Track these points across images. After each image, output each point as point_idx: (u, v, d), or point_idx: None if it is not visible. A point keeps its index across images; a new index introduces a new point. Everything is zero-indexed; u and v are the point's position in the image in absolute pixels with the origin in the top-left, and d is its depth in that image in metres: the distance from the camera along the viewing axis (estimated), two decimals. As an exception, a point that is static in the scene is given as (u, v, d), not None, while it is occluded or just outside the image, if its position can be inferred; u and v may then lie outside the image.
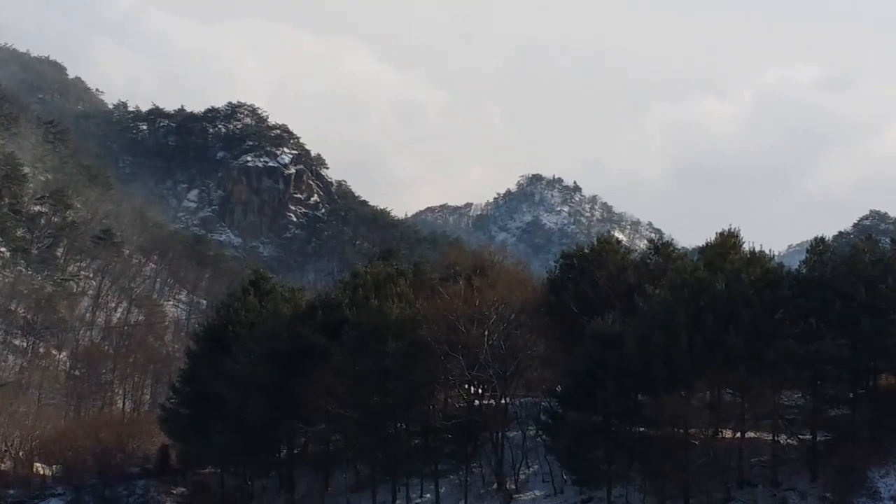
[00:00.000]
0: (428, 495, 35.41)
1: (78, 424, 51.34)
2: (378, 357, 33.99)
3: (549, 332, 35.02)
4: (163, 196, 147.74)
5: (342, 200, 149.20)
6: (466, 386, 35.76)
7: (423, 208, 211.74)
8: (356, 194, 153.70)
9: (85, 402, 62.32)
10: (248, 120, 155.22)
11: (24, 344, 73.19)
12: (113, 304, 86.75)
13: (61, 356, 73.34)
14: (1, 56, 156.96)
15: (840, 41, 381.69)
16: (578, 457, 31.20)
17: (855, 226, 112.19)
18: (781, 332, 29.63)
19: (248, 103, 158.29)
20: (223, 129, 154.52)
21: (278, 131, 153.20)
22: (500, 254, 49.23)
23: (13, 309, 75.87)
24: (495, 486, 34.37)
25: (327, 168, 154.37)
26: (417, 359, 33.99)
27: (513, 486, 34.12)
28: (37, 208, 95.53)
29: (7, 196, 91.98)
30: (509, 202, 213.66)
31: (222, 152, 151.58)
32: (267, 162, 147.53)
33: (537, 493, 33.78)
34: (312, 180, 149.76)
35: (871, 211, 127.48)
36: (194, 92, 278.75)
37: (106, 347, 73.15)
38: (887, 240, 35.11)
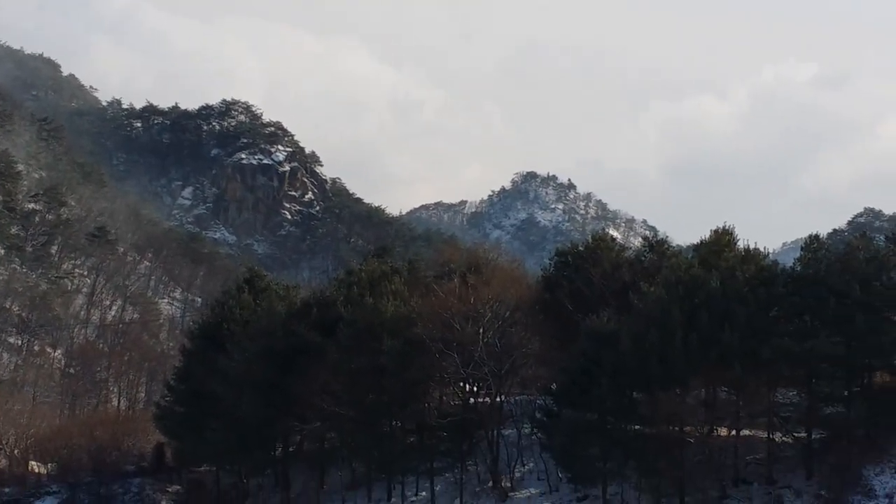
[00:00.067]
0: (423, 493, 35.40)
1: (73, 422, 51.20)
2: (373, 355, 34.00)
3: (544, 329, 35.02)
4: (157, 193, 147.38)
5: (337, 198, 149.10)
6: (461, 384, 35.75)
7: (417, 206, 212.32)
8: (351, 192, 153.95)
9: (80, 400, 62.19)
10: (242, 117, 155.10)
11: (19, 342, 72.94)
12: (107, 302, 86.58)
13: (56, 354, 73.11)
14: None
15: (837, 40, 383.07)
16: (574, 454, 31.19)
17: (850, 223, 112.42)
18: (776, 329, 29.64)
19: (243, 101, 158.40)
20: (217, 127, 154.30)
21: (273, 129, 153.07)
22: (495, 251, 49.47)
23: (7, 307, 75.52)
24: (490, 483, 34.36)
25: (322, 165, 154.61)
26: (412, 357, 33.97)
27: (508, 484, 34.13)
28: (31, 206, 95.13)
29: (1, 194, 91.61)
30: (504, 200, 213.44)
31: (216, 150, 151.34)
32: (261, 159, 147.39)
33: (532, 490, 33.78)
34: (307, 178, 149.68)
35: (865, 208, 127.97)
36: (192, 90, 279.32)
37: (101, 345, 72.93)
38: (882, 237, 35.22)
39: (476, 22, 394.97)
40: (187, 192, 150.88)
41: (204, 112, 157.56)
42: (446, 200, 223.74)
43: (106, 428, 45.98)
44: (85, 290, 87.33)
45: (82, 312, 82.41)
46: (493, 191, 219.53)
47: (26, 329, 73.50)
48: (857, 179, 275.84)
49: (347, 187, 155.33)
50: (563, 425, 31.12)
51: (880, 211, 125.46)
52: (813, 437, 30.64)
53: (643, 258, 37.42)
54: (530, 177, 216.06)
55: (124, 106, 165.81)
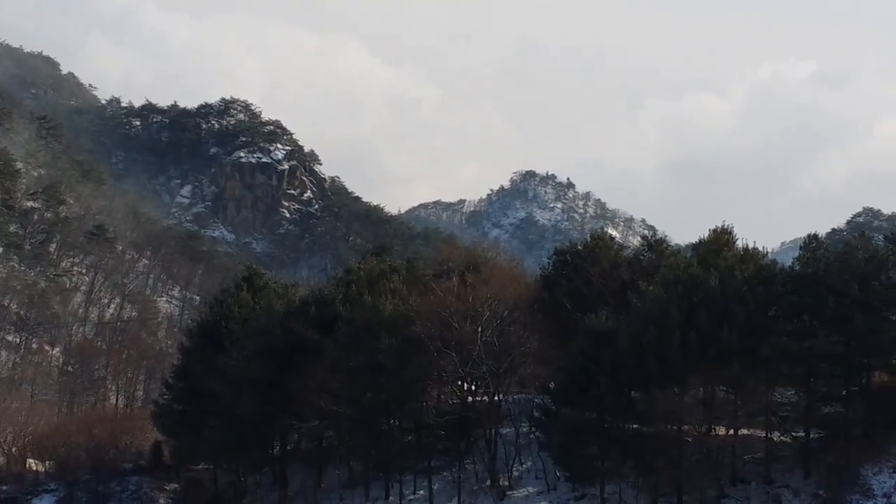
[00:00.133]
0: (421, 492, 35.41)
1: (71, 420, 51.12)
2: (371, 353, 34.03)
3: (543, 328, 35.05)
4: (156, 192, 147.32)
5: (335, 196, 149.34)
6: (460, 382, 35.77)
7: (416, 204, 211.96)
8: (349, 190, 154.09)
9: (78, 398, 62.21)
10: (241, 116, 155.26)
11: (17, 340, 72.96)
12: (106, 300, 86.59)
13: (54, 352, 73.14)
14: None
15: (835, 39, 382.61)
16: (572, 453, 31.23)
17: (848, 223, 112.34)
18: (775, 328, 29.71)
19: (242, 99, 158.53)
20: (216, 125, 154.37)
21: (271, 127, 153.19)
22: (494, 250, 49.28)
23: (6, 304, 75.57)
24: (488, 482, 34.38)
25: (320, 164, 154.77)
26: (411, 355, 33.98)
27: (506, 483, 34.15)
28: (30, 204, 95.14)
29: (0, 192, 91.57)
30: (503, 199, 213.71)
31: (215, 148, 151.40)
32: (260, 158, 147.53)
33: (530, 489, 33.82)
34: (306, 176, 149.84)
35: (864, 208, 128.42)
36: (191, 89, 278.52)
37: (99, 343, 72.88)
38: (880, 237, 35.26)
39: (474, 21, 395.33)
40: (186, 190, 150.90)
41: (203, 110, 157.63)
42: (445, 199, 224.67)
43: (104, 426, 45.92)
44: (83, 288, 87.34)
45: (81, 310, 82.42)
46: (491, 190, 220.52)
47: (25, 327, 73.56)
48: (855, 179, 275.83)
49: (346, 186, 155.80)
50: (562, 424, 31.18)
51: (879, 210, 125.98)
52: (811, 436, 30.74)
53: (642, 257, 37.49)
54: (529, 176, 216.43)
55: (123, 104, 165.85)
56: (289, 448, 39.77)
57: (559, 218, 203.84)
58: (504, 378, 34.83)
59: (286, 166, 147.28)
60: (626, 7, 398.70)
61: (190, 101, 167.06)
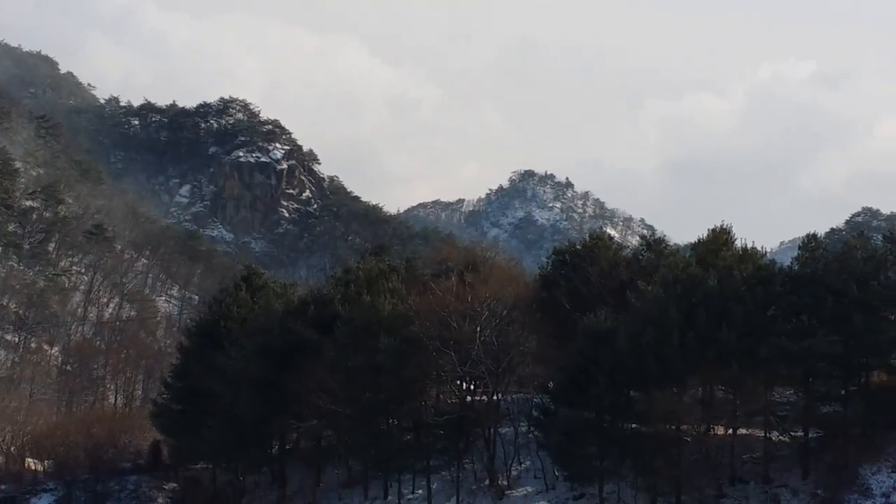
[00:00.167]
0: (420, 491, 35.49)
1: (70, 420, 51.28)
2: (370, 353, 34.08)
3: (541, 328, 35.12)
4: (154, 191, 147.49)
5: (334, 196, 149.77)
6: (458, 382, 35.84)
7: (415, 204, 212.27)
8: (348, 190, 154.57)
9: (77, 398, 62.33)
10: (240, 115, 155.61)
11: (16, 339, 73.15)
12: (105, 300, 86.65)
13: (53, 351, 73.25)
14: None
15: (835, 39, 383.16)
16: (570, 453, 31.31)
17: (847, 222, 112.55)
18: (774, 328, 29.77)
19: (241, 99, 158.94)
20: (215, 125, 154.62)
21: (270, 127, 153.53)
22: (492, 250, 49.27)
23: (5, 304, 75.75)
24: (487, 482, 34.45)
25: (319, 164, 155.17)
26: (409, 355, 34.03)
27: (505, 483, 34.22)
28: (28, 203, 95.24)
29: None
30: (501, 198, 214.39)
31: (214, 147, 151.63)
32: (259, 157, 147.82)
33: (529, 489, 33.89)
34: (304, 176, 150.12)
35: (863, 208, 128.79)
36: (190, 88, 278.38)
37: (98, 343, 73.03)
38: (879, 237, 35.29)
39: (474, 21, 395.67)
40: (185, 189, 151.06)
41: (202, 110, 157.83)
42: (444, 199, 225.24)
43: (103, 425, 46.02)
44: (82, 287, 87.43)
45: (79, 310, 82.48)
46: (490, 189, 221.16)
47: (23, 326, 73.66)
48: (855, 179, 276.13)
49: (345, 186, 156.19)
50: (560, 424, 31.26)
51: (878, 210, 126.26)
52: (810, 436, 30.79)
53: (641, 257, 37.55)
54: (528, 175, 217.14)
55: (122, 104, 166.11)
56: (287, 447, 39.81)
57: (558, 217, 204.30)
58: (503, 377, 34.89)
59: (285, 166, 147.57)
60: (626, 7, 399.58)
61: (189, 101, 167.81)
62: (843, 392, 30.43)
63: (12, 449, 47.37)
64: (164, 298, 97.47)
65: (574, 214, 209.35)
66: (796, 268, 31.87)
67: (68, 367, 67.42)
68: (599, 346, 30.53)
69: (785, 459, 30.89)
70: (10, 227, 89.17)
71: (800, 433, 30.94)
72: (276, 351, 36.59)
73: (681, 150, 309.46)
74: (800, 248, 33.15)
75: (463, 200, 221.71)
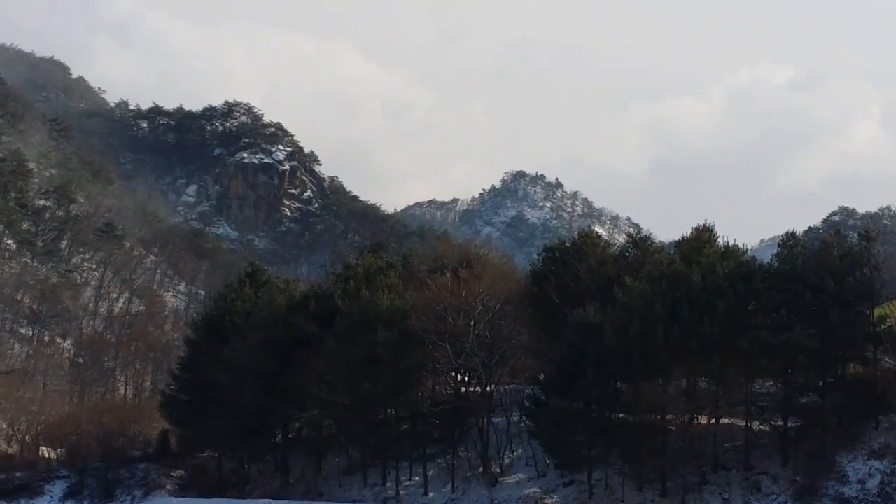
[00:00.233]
0: (416, 478, 36.27)
1: (82, 410, 52.06)
2: (369, 346, 34.90)
3: (533, 322, 35.96)
4: (163, 191, 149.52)
5: (334, 196, 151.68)
6: (453, 374, 36.60)
7: (411, 203, 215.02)
8: (348, 190, 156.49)
9: (88, 389, 63.35)
10: (244, 118, 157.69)
11: (30, 332, 74.41)
12: (115, 295, 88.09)
13: (65, 344, 74.60)
14: (7, 56, 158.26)
15: (811, 44, 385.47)
16: (560, 441, 32.03)
17: (824, 221, 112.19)
18: (754, 322, 30.45)
19: (245, 102, 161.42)
20: (220, 127, 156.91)
21: (273, 129, 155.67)
22: (486, 247, 50.09)
23: (19, 299, 77.19)
24: (481, 469, 35.25)
25: (320, 164, 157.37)
26: (406, 347, 34.85)
27: (498, 470, 35.03)
28: (42, 202, 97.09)
29: (13, 190, 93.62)
30: (494, 198, 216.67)
31: (219, 149, 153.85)
32: (262, 158, 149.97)
33: (521, 476, 34.60)
34: (306, 176, 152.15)
35: (840, 207, 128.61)
36: (193, 91, 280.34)
37: (108, 336, 74.32)
38: (855, 235, 36.10)
39: (465, 25, 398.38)
40: (191, 189, 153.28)
41: (207, 113, 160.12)
42: (439, 198, 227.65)
43: (113, 415, 46.94)
44: (93, 283, 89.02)
45: (91, 305, 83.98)
46: (483, 189, 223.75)
47: (37, 320, 75.04)
48: (831, 179, 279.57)
49: (344, 186, 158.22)
50: (551, 413, 31.90)
51: (854, 209, 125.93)
52: (789, 425, 31.45)
53: (627, 254, 38.33)
54: (519, 176, 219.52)
55: (131, 107, 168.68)
56: (290, 436, 40.52)
57: (548, 216, 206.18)
58: (496, 369, 35.68)
59: (287, 167, 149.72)
60: (613, 13, 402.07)
61: (192, 104, 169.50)
62: (820, 383, 31.10)
63: (27, 438, 48.37)
64: (171, 293, 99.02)
65: (563, 213, 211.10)
66: (776, 265, 32.56)
67: (80, 360, 68.57)
68: (588, 340, 31.39)
69: (765, 448, 31.59)
70: (25, 226, 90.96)
71: (779, 422, 31.62)
72: (278, 344, 37.47)
73: (664, 151, 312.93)
74: (779, 245, 33.82)
75: (457, 200, 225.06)
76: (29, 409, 50.55)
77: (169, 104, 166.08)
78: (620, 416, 31.52)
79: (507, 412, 36.63)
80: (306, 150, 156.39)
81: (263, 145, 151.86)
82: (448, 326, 34.58)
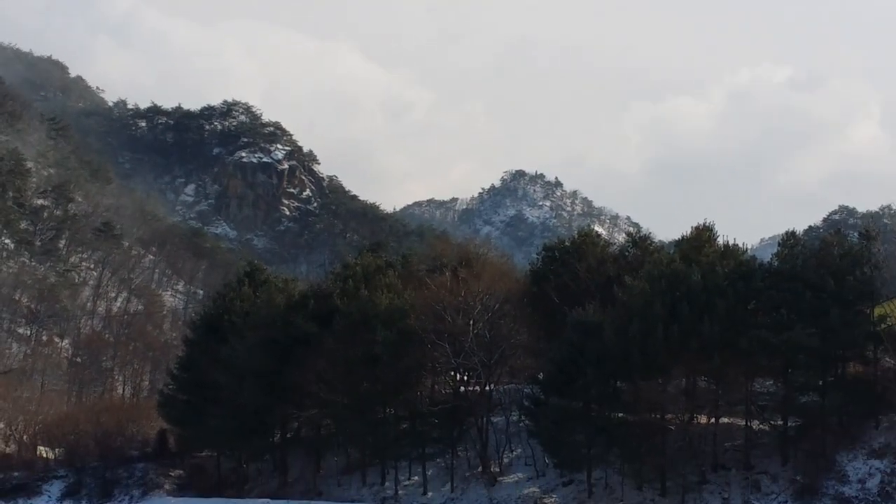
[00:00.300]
0: (416, 478, 36.29)
1: (80, 409, 52.07)
2: (368, 345, 34.90)
3: (532, 321, 35.96)
4: (161, 190, 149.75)
5: (333, 195, 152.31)
6: (452, 373, 36.64)
7: (410, 203, 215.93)
8: (347, 189, 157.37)
9: (86, 388, 63.35)
10: (242, 117, 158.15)
11: (28, 332, 74.56)
12: (113, 294, 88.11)
13: (63, 344, 74.64)
14: (5, 55, 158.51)
15: (811, 44, 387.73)
16: (559, 441, 32.05)
17: (825, 220, 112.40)
18: (754, 322, 30.49)
19: (243, 101, 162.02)
20: (219, 127, 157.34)
21: (272, 128, 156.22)
22: (485, 246, 50.05)
23: (17, 298, 77.20)
24: (480, 469, 35.26)
25: (319, 164, 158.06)
26: (405, 347, 34.85)
27: (497, 469, 35.04)
28: (40, 202, 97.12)
29: (11, 190, 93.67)
30: (493, 197, 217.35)
31: (218, 148, 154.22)
32: (261, 158, 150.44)
33: (520, 475, 34.61)
34: (305, 175, 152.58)
35: (840, 206, 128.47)
36: (192, 90, 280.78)
37: (106, 335, 74.37)
38: (855, 234, 36.11)
39: (464, 25, 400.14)
40: (190, 189, 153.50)
41: (206, 112, 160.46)
42: (438, 198, 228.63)
43: (111, 415, 46.95)
44: (91, 282, 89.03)
45: (89, 304, 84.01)
46: (483, 188, 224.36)
47: (35, 320, 75.11)
48: (831, 178, 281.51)
49: (343, 185, 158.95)
50: (550, 413, 31.90)
51: (854, 209, 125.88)
52: (789, 424, 31.49)
53: (627, 253, 38.39)
54: (519, 175, 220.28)
55: (129, 106, 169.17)
56: (289, 436, 40.53)
57: (548, 215, 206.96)
58: (495, 368, 35.69)
59: (286, 166, 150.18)
60: (612, 13, 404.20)
61: (191, 103, 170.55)
62: (820, 383, 31.11)
63: (25, 437, 48.38)
64: (170, 293, 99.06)
65: (563, 212, 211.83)
66: (776, 264, 32.59)
67: (78, 359, 68.55)
68: (587, 339, 31.38)
69: (765, 447, 31.62)
70: (23, 225, 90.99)
71: (779, 422, 31.66)
72: (277, 343, 37.45)
73: (664, 150, 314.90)
74: (779, 244, 33.84)
75: (456, 199, 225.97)
76: (27, 408, 50.57)
77: (168, 103, 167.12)
78: (620, 415, 31.56)
79: (506, 411, 36.67)
80: (305, 150, 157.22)
81: (262, 145, 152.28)
82: (447, 326, 34.59)
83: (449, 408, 35.60)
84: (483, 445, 35.33)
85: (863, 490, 28.78)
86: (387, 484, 36.67)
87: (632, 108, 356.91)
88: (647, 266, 33.09)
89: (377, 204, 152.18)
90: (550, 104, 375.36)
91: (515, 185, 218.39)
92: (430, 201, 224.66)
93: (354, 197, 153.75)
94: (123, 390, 64.91)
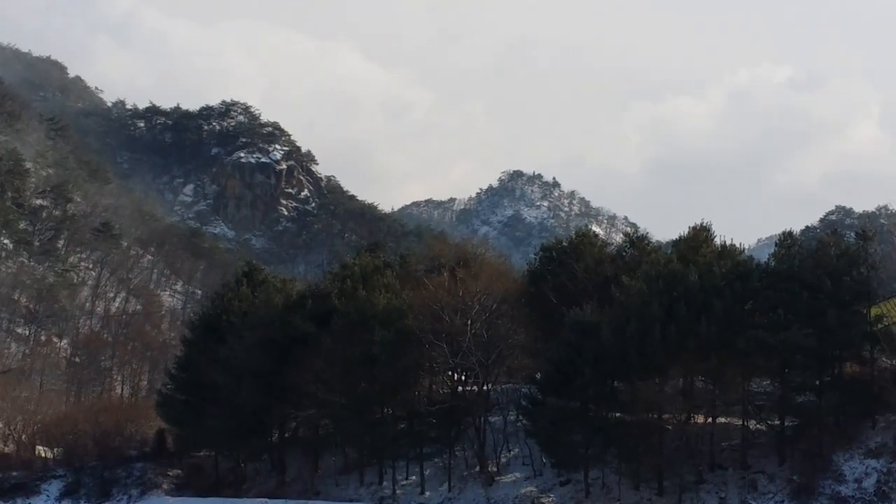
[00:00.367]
0: (413, 477, 36.36)
1: (78, 409, 52.22)
2: (365, 345, 34.95)
3: (530, 321, 35.99)
4: (160, 191, 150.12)
5: (331, 195, 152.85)
6: (450, 373, 36.70)
7: (409, 203, 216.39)
8: (345, 189, 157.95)
9: (85, 388, 63.52)
10: (241, 118, 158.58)
11: (27, 332, 74.85)
12: (112, 294, 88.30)
13: (62, 344, 74.83)
14: (4, 55, 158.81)
15: (810, 44, 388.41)
16: (557, 441, 32.10)
17: (821, 220, 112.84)
18: (751, 322, 30.54)
19: (242, 102, 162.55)
20: (217, 127, 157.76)
21: (270, 129, 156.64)
22: (483, 247, 50.12)
23: (16, 298, 77.45)
24: (477, 468, 35.32)
25: (317, 164, 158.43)
26: (403, 347, 34.90)
27: (494, 469, 35.08)
28: (39, 202, 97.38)
29: (10, 190, 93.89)
30: (491, 197, 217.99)
31: (217, 149, 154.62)
32: (259, 158, 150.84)
33: (517, 475, 34.67)
34: (303, 176, 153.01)
35: (837, 206, 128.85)
36: (192, 90, 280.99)
37: (105, 335, 74.50)
38: (852, 234, 36.18)
39: (464, 25, 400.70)
40: (188, 189, 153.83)
41: (205, 112, 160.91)
42: (436, 198, 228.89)
43: (110, 414, 47.05)
44: (90, 282, 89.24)
45: (87, 304, 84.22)
46: (480, 188, 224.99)
47: (34, 320, 75.33)
48: (829, 178, 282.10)
49: (342, 185, 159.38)
50: (548, 412, 31.97)
51: (851, 209, 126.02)
52: (786, 424, 31.53)
53: (624, 253, 38.45)
54: (516, 175, 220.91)
55: (128, 106, 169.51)
56: (287, 436, 40.59)
57: (545, 216, 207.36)
58: (492, 368, 35.73)
59: (284, 166, 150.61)
60: (612, 13, 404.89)
61: (190, 103, 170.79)
62: (817, 382, 31.15)
63: (23, 437, 48.44)
64: (168, 293, 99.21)
65: (561, 213, 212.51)
66: (773, 264, 32.66)
67: (77, 359, 68.77)
68: (585, 339, 31.42)
69: (762, 447, 31.68)
70: (21, 225, 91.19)
71: (776, 422, 31.70)
72: (275, 343, 37.48)
73: (663, 150, 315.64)
74: (776, 244, 33.88)
75: (454, 199, 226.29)
76: (25, 408, 50.69)
77: (167, 103, 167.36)
78: (617, 415, 31.63)
79: (503, 411, 36.73)
80: (303, 150, 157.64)
81: (260, 145, 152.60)
82: (445, 326, 34.64)
83: (447, 408, 35.69)
84: (481, 445, 35.39)
85: (859, 490, 28.85)
86: (384, 483, 36.74)
87: (631, 108, 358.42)
88: (645, 266, 33.14)
89: (375, 204, 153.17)
90: (550, 104, 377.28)
91: (513, 185, 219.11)
92: (427, 201, 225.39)
93: (352, 197, 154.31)
94: (122, 390, 65.00)
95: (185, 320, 71.75)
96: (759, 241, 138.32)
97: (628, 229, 64.23)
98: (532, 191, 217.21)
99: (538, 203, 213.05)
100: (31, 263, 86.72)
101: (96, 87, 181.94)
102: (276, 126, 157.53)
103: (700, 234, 34.00)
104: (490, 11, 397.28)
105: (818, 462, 29.83)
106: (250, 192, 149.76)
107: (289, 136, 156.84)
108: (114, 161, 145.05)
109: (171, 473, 43.04)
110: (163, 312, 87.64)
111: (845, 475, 29.46)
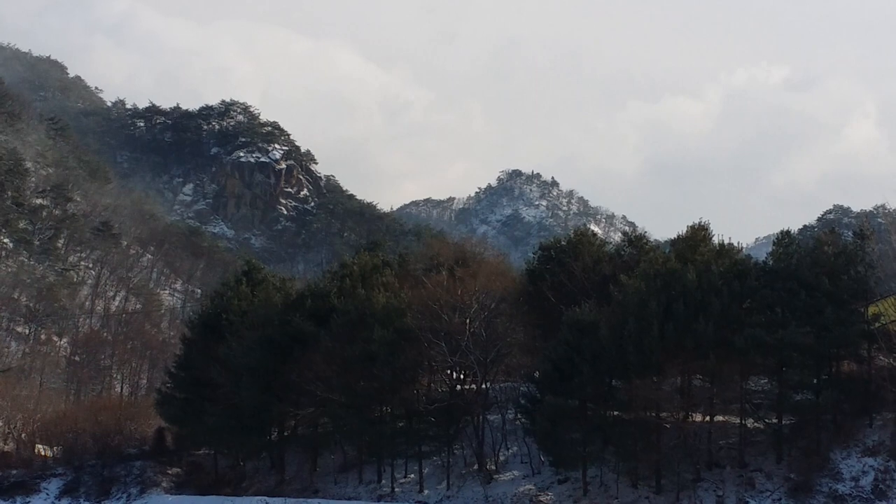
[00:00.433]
0: (412, 475, 36.44)
1: (78, 408, 52.16)
2: (364, 344, 35.04)
3: (528, 320, 36.16)
4: (159, 190, 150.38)
5: (331, 194, 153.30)
6: (449, 371, 36.76)
7: (407, 202, 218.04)
8: (344, 188, 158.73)
9: (84, 387, 63.58)
10: (240, 117, 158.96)
11: (27, 331, 75.01)
12: (111, 293, 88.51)
13: (62, 342, 74.99)
14: (4, 55, 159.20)
15: (807, 45, 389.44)
16: (555, 439, 32.12)
17: (819, 220, 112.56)
18: (749, 320, 30.55)
19: (241, 101, 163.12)
20: (217, 126, 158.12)
21: (270, 128, 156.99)
22: (481, 246, 50.85)
23: (16, 297, 77.64)
24: (476, 466, 35.39)
25: (316, 163, 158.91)
26: (402, 345, 34.96)
27: (493, 467, 35.16)
28: (39, 201, 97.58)
29: (10, 190, 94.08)
30: (490, 196, 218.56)
31: (216, 148, 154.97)
32: (259, 157, 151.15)
33: (516, 473, 34.73)
34: (302, 175, 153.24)
35: (834, 205, 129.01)
36: (190, 90, 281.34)
37: (105, 334, 74.68)
38: (849, 233, 36.29)
39: (461, 24, 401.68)
40: (188, 188, 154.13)
41: (204, 112, 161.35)
42: (435, 197, 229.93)
43: (109, 413, 46.98)
44: (90, 281, 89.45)
45: (87, 303, 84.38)
46: (479, 188, 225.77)
47: (34, 319, 75.47)
48: (826, 178, 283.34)
49: (341, 184, 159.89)
50: (546, 411, 31.96)
51: (848, 208, 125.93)
52: (783, 422, 31.58)
53: (623, 252, 38.47)
54: (515, 175, 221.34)
55: (128, 106, 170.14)
56: (286, 434, 40.61)
57: (544, 215, 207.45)
58: (491, 367, 35.88)
59: (284, 165, 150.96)
60: (608, 13, 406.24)
61: (189, 103, 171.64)
62: (814, 381, 31.21)
63: (23, 436, 48.54)
64: (167, 292, 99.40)
65: (559, 212, 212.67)
66: (771, 263, 32.75)
67: (76, 358, 68.90)
68: (583, 337, 31.48)
69: (759, 445, 31.74)
70: (22, 224, 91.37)
71: (774, 420, 31.75)
72: (275, 342, 37.57)
73: (660, 150, 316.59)
74: (774, 243, 33.93)
75: (453, 199, 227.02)
76: (25, 406, 50.76)
77: (166, 103, 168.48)
78: (615, 413, 31.70)
79: (502, 410, 36.80)
80: (303, 149, 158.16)
81: (260, 144, 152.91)
82: (444, 324, 34.73)
83: (445, 406, 35.69)
84: (479, 443, 35.47)
85: (857, 488, 28.91)
86: (383, 481, 36.80)
87: (628, 108, 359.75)
88: (643, 265, 33.20)
89: (374, 203, 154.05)
90: (548, 104, 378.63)
91: (512, 184, 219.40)
92: (426, 200, 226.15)
93: (352, 196, 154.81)
94: (121, 389, 65.12)
95: (184, 319, 71.89)
96: (756, 240, 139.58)
97: (626, 228, 64.50)
98: (530, 190, 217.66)
99: (537, 202, 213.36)
100: (31, 263, 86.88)
101: (96, 87, 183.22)
102: (275, 125, 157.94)
103: (698, 234, 34.12)
104: (488, 11, 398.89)
105: (816, 460, 29.89)
106: (250, 192, 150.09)
107: (288, 135, 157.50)
108: (114, 161, 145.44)
109: (170, 472, 43.06)
110: (162, 311, 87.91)
111: (843, 473, 29.51)
